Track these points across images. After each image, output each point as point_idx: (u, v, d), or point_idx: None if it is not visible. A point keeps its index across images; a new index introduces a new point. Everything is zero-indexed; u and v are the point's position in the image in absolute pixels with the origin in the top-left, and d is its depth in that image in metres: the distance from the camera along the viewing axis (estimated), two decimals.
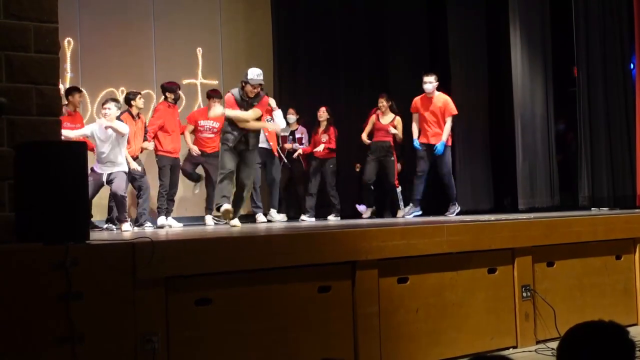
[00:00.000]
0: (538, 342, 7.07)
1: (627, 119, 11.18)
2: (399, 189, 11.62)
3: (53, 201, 4.90)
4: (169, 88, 10.72)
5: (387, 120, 11.47)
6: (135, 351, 4.99)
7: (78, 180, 5.09)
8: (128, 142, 9.88)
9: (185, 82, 11.80)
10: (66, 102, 9.96)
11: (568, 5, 11.52)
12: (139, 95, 10.33)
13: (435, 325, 6.56)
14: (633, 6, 10.76)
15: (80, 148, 5.31)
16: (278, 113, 10.75)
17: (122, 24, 11.73)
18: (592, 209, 11.08)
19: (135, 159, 10.12)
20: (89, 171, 9.32)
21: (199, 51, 12.42)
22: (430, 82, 10.90)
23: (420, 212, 11.00)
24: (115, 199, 9.51)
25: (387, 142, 11.44)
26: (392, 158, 11.47)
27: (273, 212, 11.39)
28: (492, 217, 9.06)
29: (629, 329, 7.72)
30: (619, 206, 10.95)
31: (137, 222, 10.05)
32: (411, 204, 11.08)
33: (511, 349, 6.96)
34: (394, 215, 11.56)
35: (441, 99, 10.99)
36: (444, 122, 10.90)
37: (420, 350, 6.46)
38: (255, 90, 9.03)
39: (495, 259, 7.01)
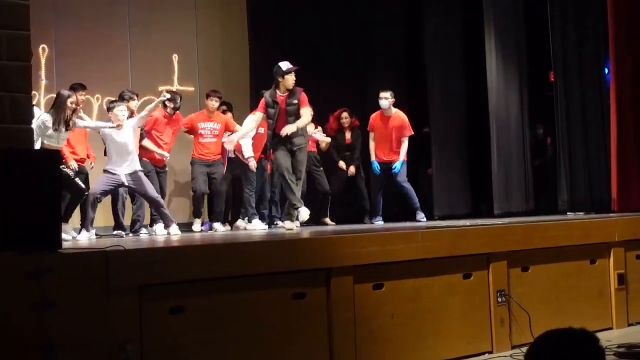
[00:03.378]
0: (513, 347, 7.09)
1: (603, 123, 11.24)
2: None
3: (26, 210, 4.88)
4: (173, 97, 10.75)
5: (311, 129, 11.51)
6: None
7: (51, 189, 5.07)
8: None
9: (161, 88, 11.74)
10: None
11: (543, 12, 11.58)
12: (134, 97, 10.31)
13: (411, 331, 6.57)
14: (607, 12, 10.82)
15: (54, 156, 5.30)
16: None
17: (97, 31, 11.70)
18: (568, 213, 11.13)
19: None
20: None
21: (175, 58, 12.40)
22: (385, 98, 10.93)
23: (382, 221, 11.07)
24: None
25: (313, 152, 11.32)
26: (321, 168, 11.45)
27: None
28: (467, 222, 9.09)
29: (604, 332, 7.77)
30: (596, 210, 11.00)
31: (132, 229, 10.01)
32: (375, 217, 11.16)
33: (487, 354, 6.98)
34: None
35: (399, 119, 11.03)
36: (400, 142, 10.95)
37: (396, 356, 6.47)
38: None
39: (470, 264, 7.03)
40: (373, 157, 11.15)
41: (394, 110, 11.08)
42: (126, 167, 9.40)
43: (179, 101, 10.73)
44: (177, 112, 10.85)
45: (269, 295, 5.79)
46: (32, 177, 4.95)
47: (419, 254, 6.67)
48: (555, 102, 11.45)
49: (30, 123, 5.65)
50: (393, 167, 10.92)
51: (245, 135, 10.24)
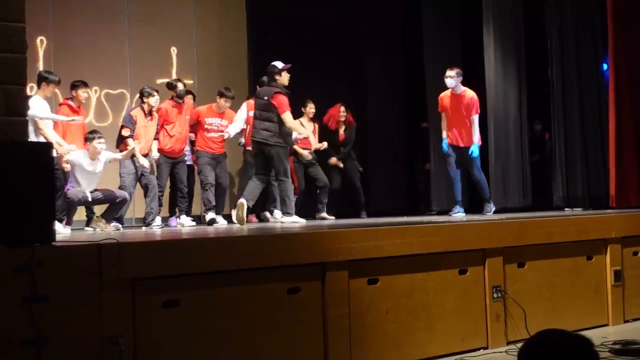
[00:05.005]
0: (509, 343, 7.08)
1: (601, 119, 11.23)
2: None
3: (18, 203, 4.84)
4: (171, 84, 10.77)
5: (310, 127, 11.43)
6: (101, 354, 4.95)
7: (44, 181, 5.04)
8: (136, 138, 9.99)
9: (159, 81, 11.72)
10: (71, 97, 9.88)
11: (541, 7, 11.55)
12: (153, 94, 10.24)
13: (405, 327, 6.55)
14: (606, 7, 10.79)
15: (47, 149, 5.26)
16: None
17: (95, 23, 11.68)
18: (566, 209, 11.11)
19: (145, 156, 10.06)
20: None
21: (174, 50, 12.38)
22: (451, 77, 10.43)
23: (461, 212, 10.67)
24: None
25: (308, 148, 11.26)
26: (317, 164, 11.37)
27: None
28: (464, 217, 9.07)
29: (600, 329, 7.70)
30: (593, 207, 10.98)
31: (145, 222, 9.99)
32: (455, 205, 10.76)
33: (482, 350, 6.95)
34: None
35: (468, 96, 10.53)
36: (470, 121, 10.47)
37: (391, 351, 6.44)
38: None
39: (466, 260, 7.01)
40: (444, 135, 10.60)
41: (463, 87, 10.57)
42: (90, 188, 9.56)
43: (180, 86, 10.66)
44: (187, 99, 10.82)
45: (264, 289, 5.77)
46: (24, 170, 4.92)
47: (415, 249, 6.64)
48: (551, 98, 11.43)
49: (25, 115, 5.61)
50: (470, 152, 10.40)
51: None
